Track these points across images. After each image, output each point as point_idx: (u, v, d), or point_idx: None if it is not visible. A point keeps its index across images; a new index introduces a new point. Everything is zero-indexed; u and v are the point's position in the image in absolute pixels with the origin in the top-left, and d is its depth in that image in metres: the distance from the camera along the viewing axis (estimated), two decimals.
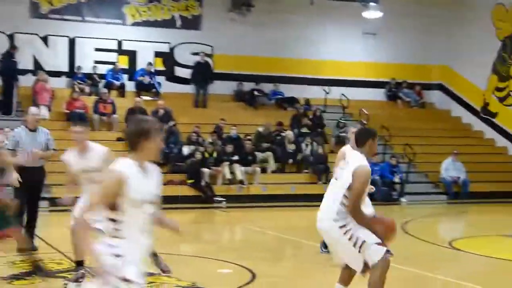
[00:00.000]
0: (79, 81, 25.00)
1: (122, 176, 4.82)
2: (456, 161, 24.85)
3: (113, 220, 4.88)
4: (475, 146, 27.76)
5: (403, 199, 23.35)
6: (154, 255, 9.24)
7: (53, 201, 19.96)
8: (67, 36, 25.63)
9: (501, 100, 28.41)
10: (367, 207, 10.38)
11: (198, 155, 21.93)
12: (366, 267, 7.17)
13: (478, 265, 12.20)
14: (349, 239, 7.07)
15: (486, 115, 28.92)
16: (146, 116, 5.22)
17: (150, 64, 26.11)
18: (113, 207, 4.86)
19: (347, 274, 7.56)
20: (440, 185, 24.91)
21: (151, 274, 9.92)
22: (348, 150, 10.56)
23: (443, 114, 30.20)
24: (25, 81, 24.07)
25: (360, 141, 7.35)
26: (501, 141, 28.13)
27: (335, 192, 7.20)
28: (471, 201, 23.33)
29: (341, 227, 7.04)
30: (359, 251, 7.08)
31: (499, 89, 28.50)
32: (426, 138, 27.08)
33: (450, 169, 24.72)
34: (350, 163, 7.20)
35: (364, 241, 7.07)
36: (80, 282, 8.99)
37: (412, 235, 14.84)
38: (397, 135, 25.90)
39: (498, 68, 28.47)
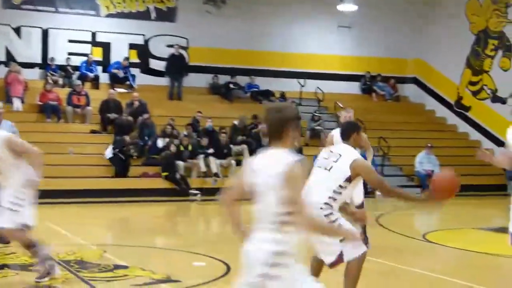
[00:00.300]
0: (52, 73, 24.78)
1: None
2: (430, 154, 24.96)
3: (286, 214, 4.63)
4: (449, 140, 27.92)
5: (377, 192, 23.40)
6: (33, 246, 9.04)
7: None
8: (40, 27, 25.40)
9: (475, 94, 28.58)
10: (359, 195, 10.42)
11: (173, 148, 21.86)
12: (338, 259, 7.16)
13: (451, 257, 12.27)
14: None
15: (459, 109, 29.10)
16: (285, 103, 5.05)
17: (126, 58, 25.91)
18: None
19: (317, 265, 7.54)
20: (414, 178, 25.03)
21: (125, 267, 9.88)
22: (337, 134, 10.75)
23: (417, 108, 30.33)
24: None
25: (346, 135, 7.47)
26: (474, 134, 28.31)
27: (325, 183, 7.17)
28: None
29: (326, 215, 7.05)
30: (341, 241, 7.09)
31: (472, 83, 28.67)
32: (400, 132, 27.20)
33: (424, 162, 24.83)
34: (344, 156, 7.23)
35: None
36: (50, 274, 8.87)
37: (386, 228, 14.89)
38: (372, 128, 25.96)
39: (471, 62, 28.64)
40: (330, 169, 7.19)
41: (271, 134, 4.78)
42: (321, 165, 7.29)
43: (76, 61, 25.41)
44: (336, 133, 11.15)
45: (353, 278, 7.22)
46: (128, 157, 21.67)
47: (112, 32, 26.33)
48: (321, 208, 7.06)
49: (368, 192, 22.83)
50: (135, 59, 26.60)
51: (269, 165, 4.69)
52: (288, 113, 4.78)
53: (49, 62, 25.05)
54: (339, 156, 7.23)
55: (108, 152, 21.66)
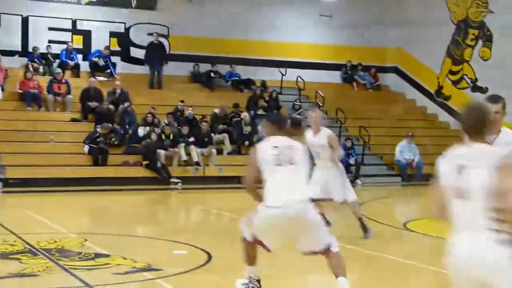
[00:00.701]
0: (36, 61, 24.55)
1: None
2: (411, 143, 25.08)
3: (499, 211, 4.35)
4: (430, 129, 28.03)
5: (358, 181, 23.50)
6: None
7: (6, 182, 19.76)
8: (20, 15, 25.22)
9: (455, 83, 28.71)
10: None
11: (154, 136, 21.82)
12: (326, 250, 7.22)
13: (429, 245, 12.34)
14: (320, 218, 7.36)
15: (440, 98, 29.22)
16: (480, 102, 4.94)
17: (107, 47, 25.75)
18: None
19: (255, 253, 7.62)
20: (394, 167, 25.14)
21: (106, 256, 9.88)
22: (309, 135, 11.60)
23: (398, 97, 30.43)
24: None
25: (284, 128, 7.62)
26: (455, 124, 28.42)
27: (298, 175, 7.27)
28: (425, 183, 23.56)
29: (313, 207, 7.20)
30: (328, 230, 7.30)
31: (453, 73, 28.80)
32: (381, 121, 27.29)
33: (405, 151, 24.94)
34: (295, 146, 7.36)
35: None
36: None
37: (367, 217, 14.94)
38: (352, 118, 26.06)
39: (452, 52, 28.76)
40: (294, 163, 7.26)
41: (475, 130, 4.63)
42: (280, 162, 7.26)
43: (57, 49, 25.25)
44: (308, 133, 11.73)
45: (343, 262, 7.32)
46: (102, 147, 21.54)
47: (93, 20, 26.20)
48: (309, 202, 7.15)
49: (350, 181, 23.04)
50: (115, 47, 26.48)
51: (478, 159, 4.51)
52: (488, 110, 4.74)
53: (31, 50, 24.82)
54: (291, 148, 7.33)
55: (86, 148, 21.59)
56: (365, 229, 11.90)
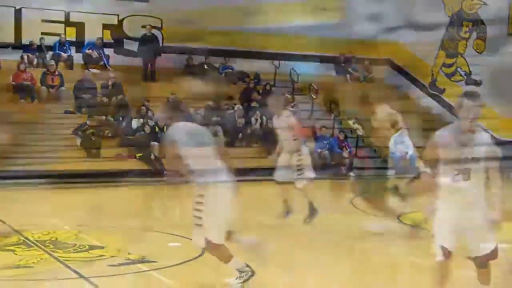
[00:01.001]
0: (35, 55, 24.52)
1: None
2: (404, 136, 25.05)
3: None
4: (423, 122, 27.98)
5: (351, 174, 23.53)
6: None
7: None
8: (13, 7, 25.13)
9: (449, 76, 28.74)
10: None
11: (147, 129, 21.80)
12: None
13: (423, 238, 12.35)
14: None
15: (434, 91, 29.23)
16: None
17: (100, 39, 25.67)
18: None
19: (224, 249, 7.73)
20: (388, 160, 25.12)
21: (101, 248, 9.88)
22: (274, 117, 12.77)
23: (391, 90, 30.39)
24: None
25: (186, 112, 7.94)
26: (449, 117, 28.45)
27: (215, 154, 7.75)
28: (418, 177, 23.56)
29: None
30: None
31: (447, 65, 28.82)
32: (374, 113, 27.26)
33: (398, 144, 24.91)
34: (203, 129, 8.01)
35: None
36: None
37: (360, 209, 14.98)
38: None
39: (446, 44, 28.77)
40: (207, 144, 7.75)
41: None
42: (198, 144, 7.46)
43: (50, 41, 25.17)
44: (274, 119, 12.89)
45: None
46: (94, 140, 21.53)
47: (86, 12, 26.11)
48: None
49: (343, 174, 23.10)
50: (109, 39, 26.41)
51: None
52: None
53: (27, 43, 24.71)
54: (200, 130, 7.88)
55: (78, 140, 21.60)
56: (287, 211, 12.39)
